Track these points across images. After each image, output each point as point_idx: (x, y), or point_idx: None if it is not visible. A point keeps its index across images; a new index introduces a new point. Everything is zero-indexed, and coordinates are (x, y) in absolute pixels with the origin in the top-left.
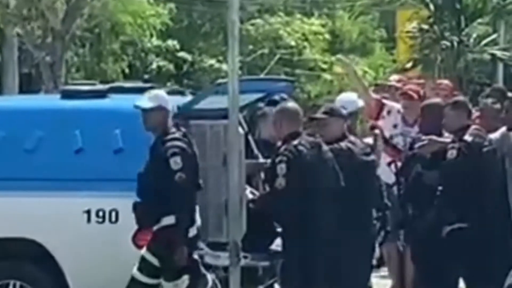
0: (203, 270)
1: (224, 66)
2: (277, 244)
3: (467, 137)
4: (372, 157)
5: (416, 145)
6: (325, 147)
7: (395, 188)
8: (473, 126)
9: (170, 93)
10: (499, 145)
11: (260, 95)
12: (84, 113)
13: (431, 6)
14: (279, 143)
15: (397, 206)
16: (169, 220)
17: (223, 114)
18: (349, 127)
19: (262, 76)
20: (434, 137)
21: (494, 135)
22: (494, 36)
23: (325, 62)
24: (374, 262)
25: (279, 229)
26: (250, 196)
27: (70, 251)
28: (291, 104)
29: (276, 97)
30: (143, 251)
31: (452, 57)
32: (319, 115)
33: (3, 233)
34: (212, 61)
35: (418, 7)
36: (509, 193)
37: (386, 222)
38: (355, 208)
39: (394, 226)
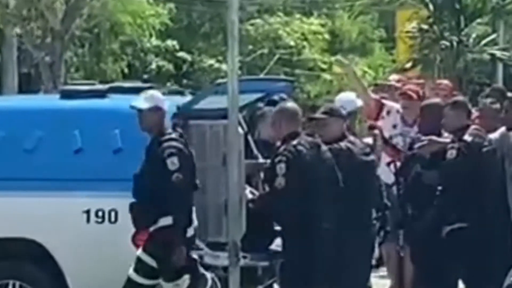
0: (201, 269)
1: (224, 66)
2: (276, 244)
3: (467, 137)
4: (372, 157)
5: (416, 146)
6: (324, 147)
7: (394, 188)
8: (473, 126)
9: (169, 93)
10: (499, 145)
11: (259, 95)
12: (83, 113)
13: (431, 6)
14: (278, 143)
15: (396, 206)
16: (166, 220)
17: (222, 114)
18: (349, 127)
19: (261, 76)
20: (433, 138)
21: (493, 135)
22: (493, 36)
23: (324, 62)
24: (373, 262)
25: (278, 229)
26: (250, 196)
27: (70, 251)
28: (290, 104)
29: (275, 97)
30: (139, 252)
31: (451, 57)
32: (318, 115)
33: (3, 233)
34: (212, 61)
35: (417, 7)
36: (508, 193)
37: (386, 222)
38: (355, 208)
39: (394, 226)
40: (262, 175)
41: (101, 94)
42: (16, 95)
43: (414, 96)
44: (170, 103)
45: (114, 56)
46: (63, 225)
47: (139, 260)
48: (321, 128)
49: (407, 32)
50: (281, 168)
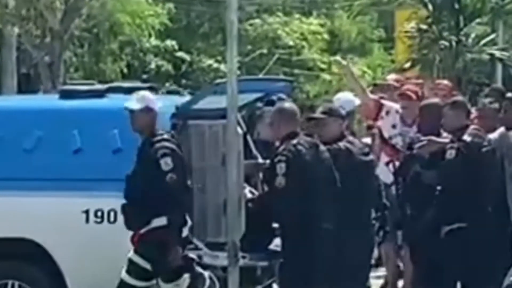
0: (199, 269)
1: (223, 66)
2: (275, 244)
3: (466, 137)
4: (371, 157)
5: (415, 146)
6: (322, 147)
7: (393, 188)
8: (472, 126)
9: (168, 93)
10: (498, 145)
11: (258, 95)
12: (82, 113)
13: (430, 6)
14: (277, 144)
15: (395, 206)
16: (159, 221)
17: (221, 114)
18: (348, 127)
19: (260, 76)
20: (433, 138)
21: (493, 135)
22: (492, 36)
23: (323, 62)
24: (373, 261)
25: (277, 229)
26: (249, 195)
27: (69, 251)
28: (288, 104)
29: (274, 97)
30: (130, 253)
31: (450, 57)
32: (317, 115)
33: (2, 233)
34: (211, 61)
35: (416, 7)
36: (508, 193)
37: (385, 222)
38: (354, 208)
39: (392, 226)
40: (261, 175)
41: (100, 94)
42: (15, 95)
43: (413, 96)
44: (169, 103)
45: (113, 56)
46: (62, 225)
47: (130, 262)
48: (320, 128)
49: (406, 32)
50: (281, 167)
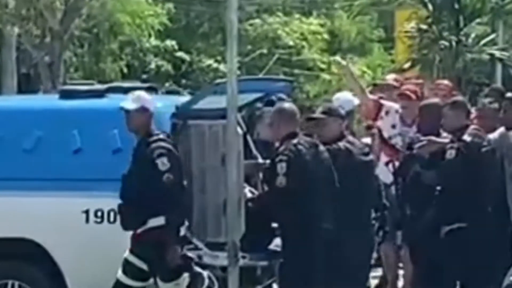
0: (197, 268)
1: (223, 66)
2: (275, 244)
3: (466, 137)
4: (371, 157)
5: (415, 146)
6: (321, 148)
7: (393, 188)
8: (472, 126)
9: (168, 93)
10: (498, 145)
11: (258, 95)
12: (82, 113)
13: (430, 6)
14: (277, 144)
15: (395, 206)
16: (156, 221)
17: (221, 114)
18: (347, 127)
19: (260, 76)
20: (433, 138)
21: (493, 135)
22: (492, 36)
23: (323, 62)
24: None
25: (277, 229)
26: (249, 195)
27: (69, 251)
28: (287, 104)
29: (273, 97)
30: (126, 253)
31: (450, 57)
32: (317, 115)
33: (2, 233)
34: (211, 61)
35: (416, 7)
36: (508, 193)
37: (385, 222)
38: (354, 208)
39: (392, 226)
40: (261, 175)
41: (100, 94)
42: (15, 95)
43: (413, 96)
44: (169, 103)
45: (113, 56)
46: (62, 225)
47: (126, 262)
48: (320, 128)
49: (406, 32)
50: (282, 167)
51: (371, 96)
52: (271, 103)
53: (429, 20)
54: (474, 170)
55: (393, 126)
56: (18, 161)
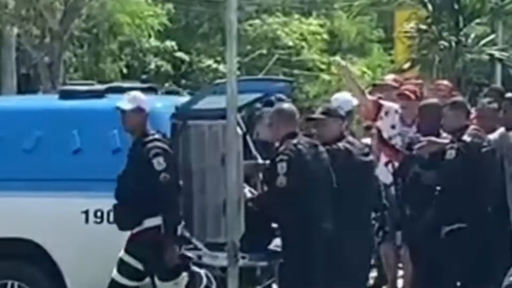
0: (195, 268)
1: (222, 67)
2: (275, 244)
3: (466, 138)
4: (371, 157)
5: (415, 146)
6: (321, 148)
7: (392, 188)
8: (472, 127)
9: (167, 93)
10: (498, 145)
11: (258, 95)
12: (82, 113)
13: (429, 7)
14: (277, 144)
15: (394, 206)
16: (152, 221)
17: (221, 114)
18: (347, 127)
19: (260, 76)
20: (432, 138)
21: (493, 136)
22: (492, 36)
23: (323, 63)
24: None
25: (277, 229)
26: (249, 195)
27: (68, 251)
28: (287, 105)
29: (272, 98)
30: (121, 253)
31: (450, 58)
32: (317, 115)
33: (1, 233)
34: (210, 62)
35: (416, 7)
36: (508, 193)
37: (385, 222)
38: (354, 208)
39: (392, 226)
40: (261, 175)
41: (99, 94)
42: (15, 95)
43: (412, 96)
44: (169, 103)
45: (112, 56)
46: (62, 225)
47: (121, 261)
48: (319, 129)
49: (406, 32)
50: (282, 167)
51: (370, 97)
52: (270, 104)
53: (429, 20)
54: (474, 170)
55: (393, 127)
56: (18, 161)
